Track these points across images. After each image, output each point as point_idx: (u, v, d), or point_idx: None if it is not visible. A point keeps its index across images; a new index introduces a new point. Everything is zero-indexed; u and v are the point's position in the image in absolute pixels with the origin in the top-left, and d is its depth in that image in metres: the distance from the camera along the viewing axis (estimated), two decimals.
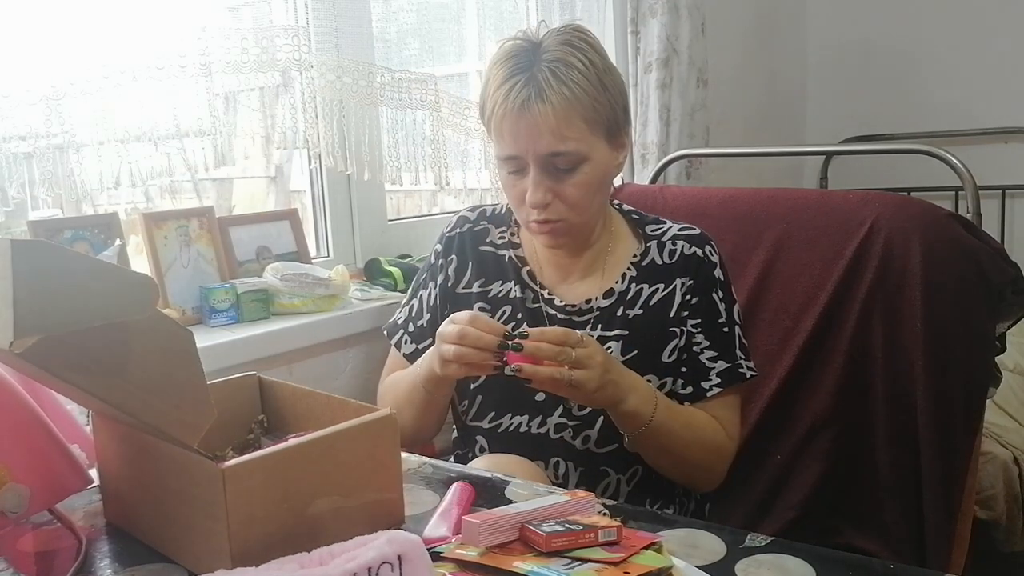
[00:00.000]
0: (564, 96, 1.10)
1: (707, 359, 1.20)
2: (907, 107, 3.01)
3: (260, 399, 1.00)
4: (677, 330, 1.20)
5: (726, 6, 2.67)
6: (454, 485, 0.91)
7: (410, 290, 1.35)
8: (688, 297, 1.21)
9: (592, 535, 0.76)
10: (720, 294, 1.22)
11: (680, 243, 1.24)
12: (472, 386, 1.21)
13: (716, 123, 2.47)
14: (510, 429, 1.19)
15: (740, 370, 1.21)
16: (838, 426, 1.41)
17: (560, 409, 1.18)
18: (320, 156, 1.70)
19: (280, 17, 1.65)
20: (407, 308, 1.33)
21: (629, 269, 1.23)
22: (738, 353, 1.22)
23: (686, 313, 1.21)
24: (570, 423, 1.17)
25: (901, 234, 1.38)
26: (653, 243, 1.25)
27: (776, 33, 3.06)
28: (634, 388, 1.09)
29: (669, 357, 1.19)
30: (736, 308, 1.24)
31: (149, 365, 0.71)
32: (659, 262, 1.23)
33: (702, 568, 0.74)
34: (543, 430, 1.18)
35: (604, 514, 0.84)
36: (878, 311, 1.39)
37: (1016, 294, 1.36)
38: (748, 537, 0.81)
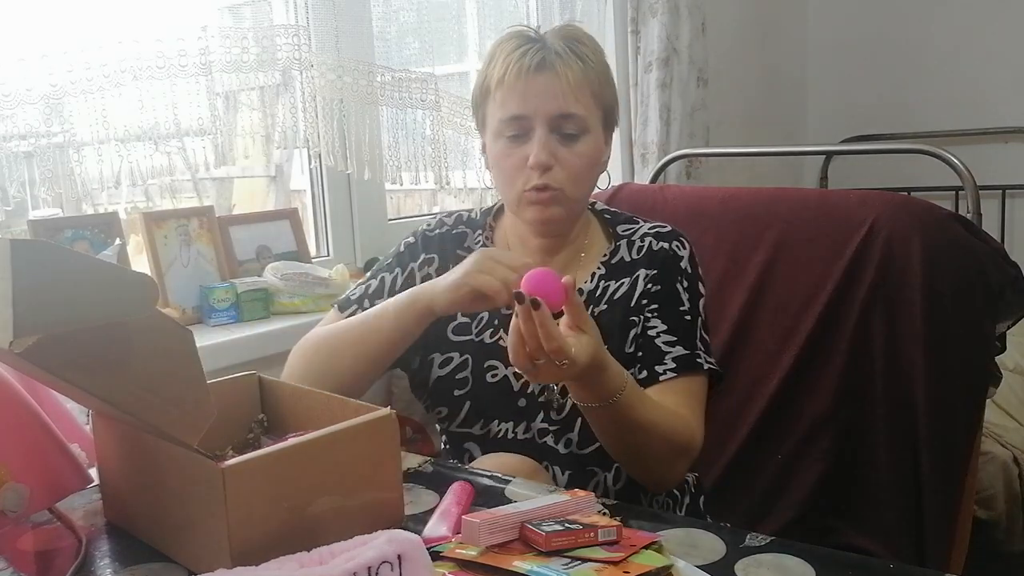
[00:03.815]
0: (579, 66, 1.13)
1: (663, 343, 1.16)
2: (907, 107, 3.01)
3: (260, 398, 1.00)
4: (636, 318, 1.18)
5: (726, 6, 2.67)
6: (454, 484, 0.91)
7: (370, 272, 1.29)
8: (649, 286, 1.19)
9: (592, 534, 0.76)
10: (684, 284, 1.20)
11: (648, 239, 1.22)
12: (456, 393, 1.20)
13: (716, 123, 2.47)
14: (499, 435, 1.18)
15: (698, 360, 1.15)
16: (838, 426, 1.41)
17: (542, 415, 1.17)
18: (320, 155, 1.70)
19: (280, 16, 1.65)
20: (364, 286, 1.27)
21: (599, 268, 1.23)
22: (698, 344, 1.17)
23: (645, 301, 1.19)
24: (551, 428, 1.17)
25: (901, 234, 1.38)
26: (623, 242, 1.23)
27: (776, 32, 3.06)
28: (608, 352, 1.04)
29: (630, 348, 1.18)
30: (702, 303, 1.21)
31: (149, 365, 0.71)
32: (627, 259, 1.22)
33: (702, 568, 0.74)
34: (528, 435, 1.17)
35: (604, 513, 0.84)
36: (878, 311, 1.39)
37: (1016, 294, 1.36)
38: (748, 537, 0.81)
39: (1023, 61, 2.83)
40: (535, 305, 0.91)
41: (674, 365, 1.14)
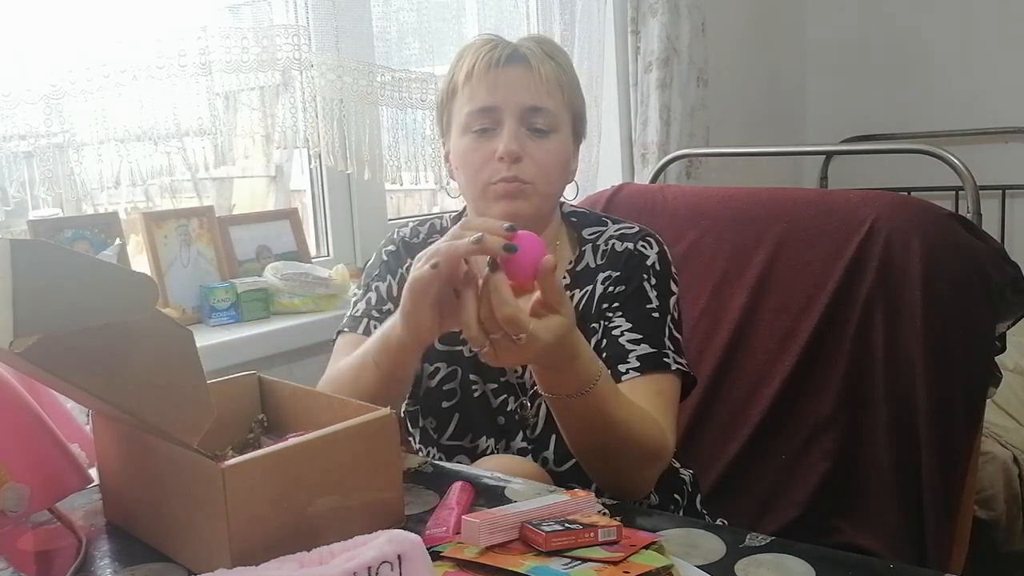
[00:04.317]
0: (552, 64, 1.12)
1: (628, 341, 1.09)
2: (907, 107, 3.01)
3: (260, 398, 1.00)
4: (597, 324, 1.13)
5: (726, 6, 2.67)
6: (454, 485, 0.91)
7: (361, 288, 1.25)
8: (611, 288, 1.14)
9: (592, 534, 0.76)
10: (653, 282, 1.14)
11: (612, 242, 1.18)
12: (445, 405, 1.17)
13: (716, 123, 2.47)
14: (487, 451, 1.16)
15: (665, 359, 1.08)
16: (840, 426, 1.41)
17: (521, 434, 1.15)
18: (320, 155, 1.70)
19: (280, 16, 1.65)
20: (364, 300, 1.21)
21: (564, 277, 1.17)
22: (667, 343, 1.10)
23: (606, 305, 1.13)
24: (529, 447, 1.14)
25: (901, 234, 1.38)
26: (588, 247, 1.19)
27: (776, 33, 3.06)
28: (583, 340, 0.97)
29: None
30: (673, 301, 1.15)
31: (149, 365, 0.71)
32: (592, 265, 1.17)
33: (702, 568, 0.74)
34: (510, 453, 1.15)
35: (604, 513, 0.84)
36: (879, 311, 1.39)
37: (1016, 294, 1.36)
38: (748, 537, 0.81)
39: (1023, 61, 2.83)
40: (492, 267, 0.84)
41: (638, 364, 1.08)
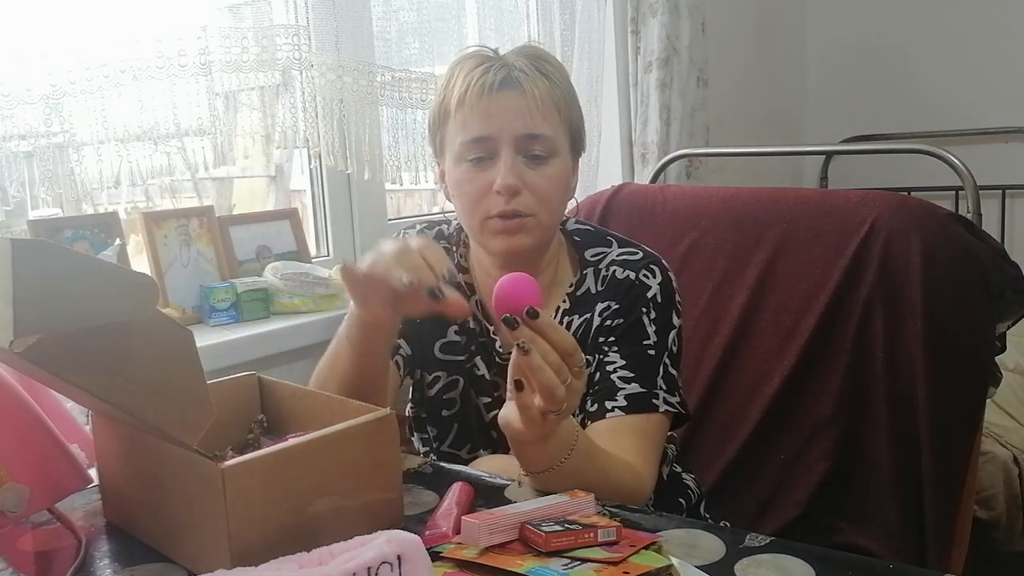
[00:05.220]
0: (545, 83, 1.08)
1: (619, 378, 1.07)
2: (907, 107, 3.01)
3: (260, 399, 1.00)
4: (592, 357, 1.10)
5: (726, 6, 2.67)
6: (454, 485, 0.91)
7: None
8: (609, 322, 1.11)
9: (591, 535, 0.76)
10: (652, 315, 1.10)
11: (614, 268, 1.14)
12: (445, 413, 1.17)
13: (716, 123, 2.47)
14: None
15: (654, 400, 1.06)
16: (840, 425, 1.41)
17: None
18: (320, 155, 1.70)
19: (280, 16, 1.65)
20: None
21: (564, 301, 1.15)
22: (659, 382, 1.07)
23: (602, 339, 1.10)
24: None
25: (901, 234, 1.38)
26: (590, 270, 1.15)
27: (776, 33, 3.06)
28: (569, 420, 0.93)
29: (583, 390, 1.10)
30: (673, 335, 1.11)
31: (149, 365, 0.71)
32: (592, 291, 1.14)
33: (701, 568, 0.74)
34: None
35: (603, 514, 0.84)
36: (879, 311, 1.39)
37: (1016, 294, 1.36)
38: (747, 537, 0.81)
39: (1022, 61, 2.83)
40: (511, 324, 0.81)
41: (625, 403, 1.05)
